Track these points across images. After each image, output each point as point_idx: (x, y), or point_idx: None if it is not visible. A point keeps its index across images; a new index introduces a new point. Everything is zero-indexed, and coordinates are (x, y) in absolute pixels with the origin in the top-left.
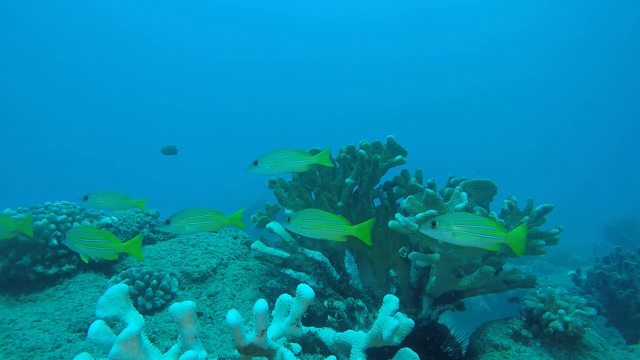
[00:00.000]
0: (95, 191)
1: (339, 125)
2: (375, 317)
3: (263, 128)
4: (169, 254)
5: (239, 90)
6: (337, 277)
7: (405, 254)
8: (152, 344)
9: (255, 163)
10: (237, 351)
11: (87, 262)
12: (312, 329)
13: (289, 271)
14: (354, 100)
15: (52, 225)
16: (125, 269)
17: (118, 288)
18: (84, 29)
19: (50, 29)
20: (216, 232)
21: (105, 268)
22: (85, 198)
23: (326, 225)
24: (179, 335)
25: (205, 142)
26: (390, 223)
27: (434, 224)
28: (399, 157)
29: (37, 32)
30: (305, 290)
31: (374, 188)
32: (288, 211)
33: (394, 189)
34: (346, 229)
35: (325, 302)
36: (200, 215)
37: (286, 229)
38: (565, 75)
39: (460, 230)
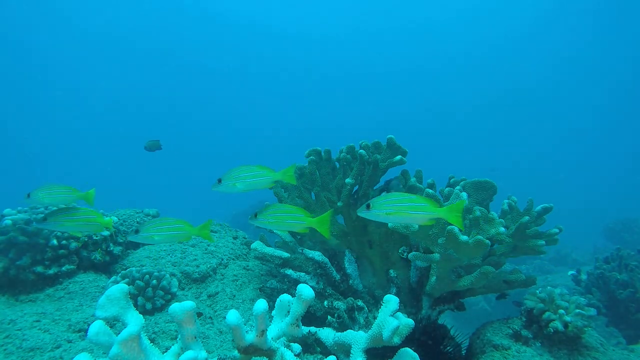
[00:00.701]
0: (38, 187)
1: (340, 127)
2: (375, 317)
3: (264, 128)
4: (169, 254)
5: (241, 94)
6: (337, 277)
7: (405, 254)
8: (152, 344)
9: (219, 181)
10: (237, 351)
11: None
12: (312, 329)
13: (289, 271)
14: (355, 102)
15: None
16: (125, 269)
17: (118, 288)
18: (79, 31)
19: (42, 32)
20: (215, 233)
21: (105, 268)
22: (28, 196)
23: (289, 218)
24: (179, 336)
25: (206, 143)
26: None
27: (368, 206)
28: (398, 157)
29: (32, 34)
30: (305, 290)
31: (374, 188)
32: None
33: None
34: (307, 221)
35: (325, 302)
36: (170, 226)
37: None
38: (567, 77)
39: (393, 209)
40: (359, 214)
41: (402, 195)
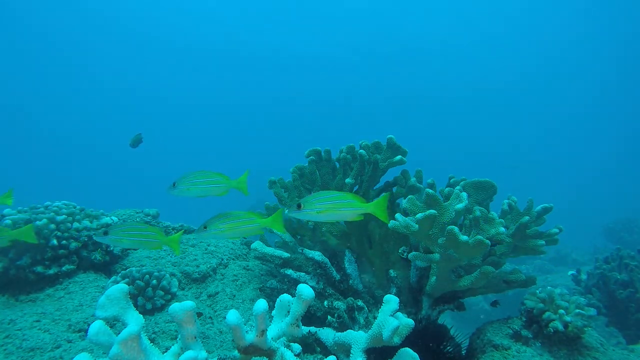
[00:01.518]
0: None
1: (341, 123)
2: (375, 317)
3: (264, 126)
4: (169, 254)
5: (239, 87)
6: (337, 277)
7: (405, 254)
8: (152, 344)
9: (174, 184)
10: (237, 351)
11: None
12: (312, 329)
13: (289, 271)
14: (355, 98)
15: (52, 226)
16: (125, 269)
17: (118, 288)
18: (81, 24)
19: (46, 24)
20: None
21: (105, 268)
22: None
23: (242, 223)
24: (179, 336)
25: (205, 141)
26: (391, 223)
27: (299, 206)
28: (398, 157)
29: (33, 28)
30: (305, 290)
31: (374, 188)
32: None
33: (394, 189)
34: (260, 222)
35: (325, 302)
36: (140, 232)
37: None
38: (566, 75)
39: (323, 207)
40: (289, 214)
41: (331, 193)
